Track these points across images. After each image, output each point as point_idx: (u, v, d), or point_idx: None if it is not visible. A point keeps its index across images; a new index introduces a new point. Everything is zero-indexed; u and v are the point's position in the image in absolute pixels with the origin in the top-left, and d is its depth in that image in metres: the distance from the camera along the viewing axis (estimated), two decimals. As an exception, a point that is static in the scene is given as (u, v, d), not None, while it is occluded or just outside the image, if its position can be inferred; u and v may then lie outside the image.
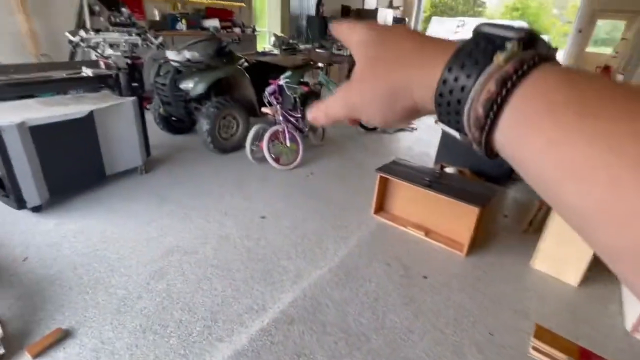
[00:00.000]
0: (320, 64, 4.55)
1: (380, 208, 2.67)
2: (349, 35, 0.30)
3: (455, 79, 0.21)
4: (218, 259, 2.13)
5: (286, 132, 3.36)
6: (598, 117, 0.16)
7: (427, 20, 15.42)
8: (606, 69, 7.05)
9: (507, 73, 0.20)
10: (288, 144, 3.38)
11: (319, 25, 8.89)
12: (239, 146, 3.71)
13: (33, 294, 1.80)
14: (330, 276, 2.04)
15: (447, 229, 2.41)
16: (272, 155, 3.32)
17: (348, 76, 5.95)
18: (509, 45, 0.20)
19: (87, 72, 3.13)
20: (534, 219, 2.59)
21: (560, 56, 10.16)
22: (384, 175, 2.50)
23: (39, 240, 2.20)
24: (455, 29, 12.63)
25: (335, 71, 7.54)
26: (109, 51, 3.19)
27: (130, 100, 3.01)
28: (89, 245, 2.18)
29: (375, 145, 4.33)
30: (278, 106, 3.36)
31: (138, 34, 3.22)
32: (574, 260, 2.06)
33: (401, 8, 12.29)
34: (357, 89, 0.28)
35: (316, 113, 0.32)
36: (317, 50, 7.63)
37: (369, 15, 10.21)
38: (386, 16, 10.58)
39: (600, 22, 10.12)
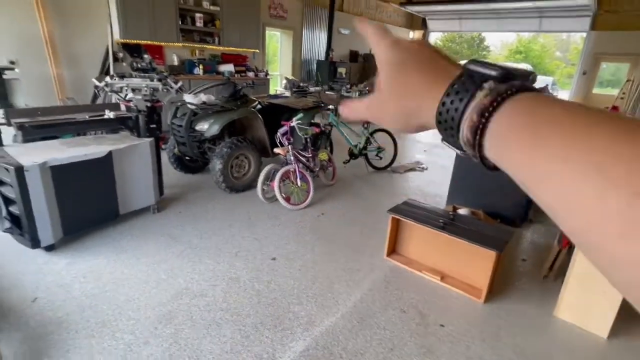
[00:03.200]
0: (330, 106, 4.70)
1: (393, 250, 2.61)
2: (376, 45, 0.36)
3: (451, 102, 0.28)
4: (227, 302, 2.07)
5: (297, 171, 3.41)
6: (548, 137, 0.21)
7: (432, 63, 16.04)
8: (614, 108, 7.14)
9: (484, 105, 0.25)
10: (299, 183, 3.41)
11: (328, 69, 9.31)
12: (250, 185, 3.75)
13: (39, 338, 1.76)
14: (344, 323, 1.96)
15: (464, 273, 2.32)
16: (283, 195, 3.34)
17: (371, 91, 6.12)
18: (486, 85, 0.26)
19: (109, 114, 3.28)
20: (554, 264, 2.50)
21: (566, 97, 10.27)
22: (396, 216, 2.48)
23: (49, 281, 2.19)
24: (460, 72, 13.08)
25: (345, 112, 7.75)
26: (130, 95, 3.38)
27: (147, 141, 3.12)
28: (99, 286, 2.16)
29: (386, 185, 4.33)
30: (289, 146, 3.43)
31: (159, 79, 3.43)
32: (601, 308, 1.95)
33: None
34: (380, 106, 0.35)
35: (344, 110, 0.40)
36: (327, 92, 7.93)
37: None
38: (393, 60, 11.04)
39: (604, 64, 10.38)
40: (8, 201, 2.56)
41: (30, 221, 2.40)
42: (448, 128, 0.28)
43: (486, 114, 0.25)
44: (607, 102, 8.34)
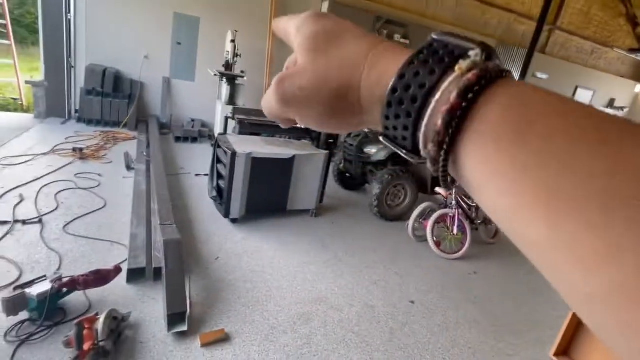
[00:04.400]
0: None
1: (564, 352, 2.07)
2: (287, 24, 0.27)
3: (415, 74, 0.19)
4: (360, 327, 2.08)
5: (456, 218, 3.16)
6: (574, 142, 0.15)
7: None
8: None
9: (470, 82, 0.18)
10: (455, 231, 3.15)
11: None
12: (400, 217, 3.70)
13: (214, 291, 2.18)
14: (482, 411, 1.66)
15: None
16: (435, 239, 3.15)
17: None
18: (472, 52, 0.19)
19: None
20: None
21: None
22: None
23: (228, 247, 2.70)
24: None
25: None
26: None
27: (324, 153, 3.49)
28: (260, 265, 2.52)
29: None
30: (454, 189, 3.22)
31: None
32: None
33: (626, 109, 10.32)
34: (296, 81, 0.24)
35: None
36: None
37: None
38: (600, 116, 9.04)
39: None
40: (220, 176, 3.31)
41: (229, 195, 3.03)
42: (402, 114, 0.20)
43: (470, 96, 0.17)
44: None
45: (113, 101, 5.48)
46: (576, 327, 2.06)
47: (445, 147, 0.18)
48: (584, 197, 0.14)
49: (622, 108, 10.18)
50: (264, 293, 2.23)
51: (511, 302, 2.64)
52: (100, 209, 2.91)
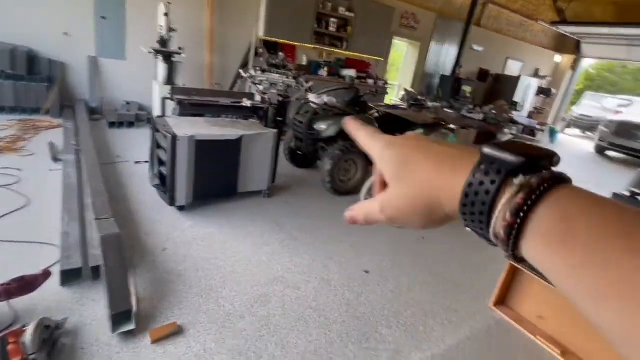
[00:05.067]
0: (452, 126, 4.41)
1: (501, 301, 2.29)
2: (369, 147, 0.35)
3: (476, 194, 0.25)
4: (317, 302, 2.11)
5: (405, 188, 3.28)
6: (607, 251, 0.19)
7: (579, 94, 13.71)
8: None
9: (518, 204, 0.22)
10: (404, 200, 3.28)
11: (452, 86, 8.79)
12: (353, 192, 3.77)
13: (163, 283, 2.07)
14: (433, 365, 1.79)
15: (595, 355, 1.89)
16: (386, 209, 3.25)
17: (477, 141, 5.58)
18: (515, 180, 0.23)
19: (246, 103, 3.69)
20: None
21: None
22: (517, 265, 2.16)
23: (176, 236, 2.56)
24: (616, 109, 10.80)
25: (464, 136, 7.21)
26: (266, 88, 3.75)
27: (273, 131, 3.39)
28: (212, 252, 2.43)
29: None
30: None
31: (294, 77, 3.72)
32: None
33: (548, 78, 11.30)
34: (396, 205, 0.32)
35: (355, 214, 0.36)
36: (445, 109, 7.49)
37: (508, 82, 9.67)
38: (529, 85, 9.84)
39: None
40: (161, 162, 3.09)
41: (173, 182, 2.84)
42: (476, 219, 0.25)
43: (521, 214, 0.22)
44: None
45: (28, 85, 4.80)
46: (511, 280, 2.27)
47: (510, 247, 0.24)
48: (615, 296, 0.18)
49: (545, 77, 11.14)
50: (218, 280, 2.16)
51: (455, 261, 2.85)
52: (22, 207, 2.58)
